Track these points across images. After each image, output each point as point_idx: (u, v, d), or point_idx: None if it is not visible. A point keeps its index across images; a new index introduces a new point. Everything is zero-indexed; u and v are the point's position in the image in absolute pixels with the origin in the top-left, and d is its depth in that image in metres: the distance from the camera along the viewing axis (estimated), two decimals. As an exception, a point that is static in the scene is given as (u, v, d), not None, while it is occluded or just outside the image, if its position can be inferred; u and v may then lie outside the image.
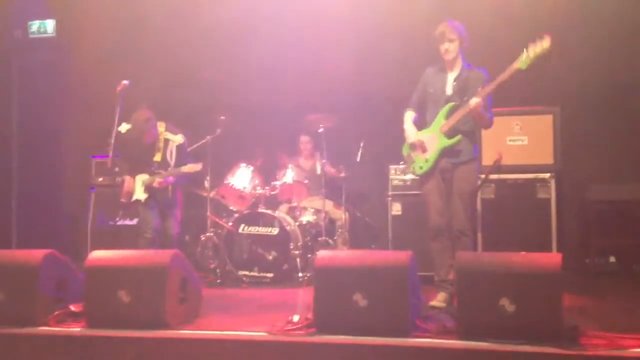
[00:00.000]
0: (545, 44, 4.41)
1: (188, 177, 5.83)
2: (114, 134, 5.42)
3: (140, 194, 5.65)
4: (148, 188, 5.63)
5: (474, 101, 4.53)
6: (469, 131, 4.74)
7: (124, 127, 5.58)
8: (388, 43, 6.67)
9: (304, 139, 6.72)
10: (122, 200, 5.71)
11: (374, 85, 6.68)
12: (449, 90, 4.76)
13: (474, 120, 4.70)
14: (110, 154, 5.42)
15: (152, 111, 5.61)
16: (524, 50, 4.44)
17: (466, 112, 4.60)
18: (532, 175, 5.69)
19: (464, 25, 4.75)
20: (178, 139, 5.73)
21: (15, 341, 3.94)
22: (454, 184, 4.70)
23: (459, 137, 4.67)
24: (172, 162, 5.68)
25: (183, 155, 5.73)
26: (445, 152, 4.72)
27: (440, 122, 4.74)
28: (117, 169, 5.81)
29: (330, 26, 6.65)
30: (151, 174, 5.64)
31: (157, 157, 5.67)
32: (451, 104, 4.70)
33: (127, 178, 5.68)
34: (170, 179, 5.64)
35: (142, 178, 5.66)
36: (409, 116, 4.92)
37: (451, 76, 4.77)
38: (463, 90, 4.69)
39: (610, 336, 3.48)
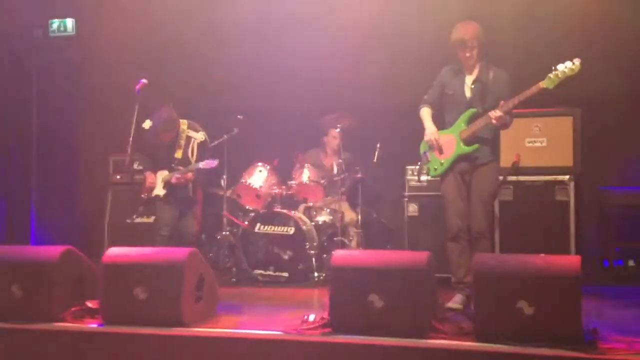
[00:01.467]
0: (575, 68, 4.39)
1: (206, 174, 5.83)
2: (132, 133, 5.44)
3: (159, 190, 5.68)
4: (167, 184, 5.66)
5: (496, 115, 4.50)
6: (490, 138, 4.71)
7: (147, 124, 5.61)
8: (406, 44, 6.64)
9: (333, 132, 6.55)
10: (142, 195, 5.73)
11: (391, 86, 6.65)
12: (468, 93, 4.72)
13: (494, 127, 4.67)
14: (129, 150, 5.44)
15: (175, 110, 5.63)
16: (553, 69, 4.42)
17: (487, 122, 4.58)
18: (551, 177, 5.64)
19: (481, 26, 4.72)
20: (200, 136, 5.75)
21: (32, 337, 3.97)
22: (473, 185, 4.68)
23: (476, 146, 4.64)
24: (193, 160, 5.71)
25: (205, 153, 5.74)
26: (461, 158, 4.70)
27: (460, 126, 4.70)
28: (138, 166, 5.82)
29: (347, 28, 6.63)
30: (171, 170, 5.67)
31: (178, 154, 5.69)
32: (473, 110, 4.67)
33: (149, 174, 5.72)
34: (189, 175, 5.65)
35: (162, 174, 5.70)
36: (428, 113, 4.87)
37: (469, 79, 4.73)
38: (484, 94, 4.66)
39: (629, 340, 3.44)
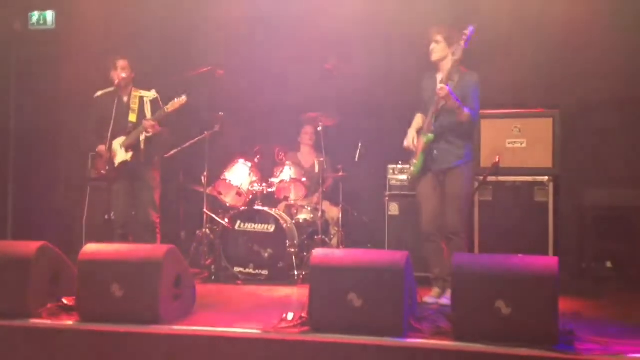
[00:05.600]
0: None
1: (161, 148, 5.67)
2: (110, 129, 5.38)
3: (123, 156, 5.48)
4: (131, 147, 5.46)
5: (439, 86, 4.60)
6: (461, 142, 4.78)
7: (99, 92, 5.47)
8: (390, 43, 6.66)
9: (308, 129, 6.67)
10: (102, 172, 5.51)
11: (373, 85, 6.66)
12: (433, 95, 4.78)
13: (465, 128, 4.74)
14: (106, 146, 5.34)
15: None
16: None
17: (437, 102, 4.66)
18: (530, 178, 5.67)
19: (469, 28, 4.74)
20: (151, 94, 5.61)
21: (7, 333, 3.91)
22: (447, 186, 4.80)
23: (430, 136, 4.73)
24: None
25: (159, 111, 5.56)
26: (431, 156, 4.77)
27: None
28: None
29: (331, 25, 6.62)
30: (127, 135, 5.49)
31: (132, 118, 5.54)
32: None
33: (101, 147, 5.53)
34: (157, 126, 5.45)
35: (119, 141, 5.51)
36: (417, 119, 5.00)
37: (439, 77, 4.82)
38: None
39: (605, 341, 3.47)
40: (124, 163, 5.49)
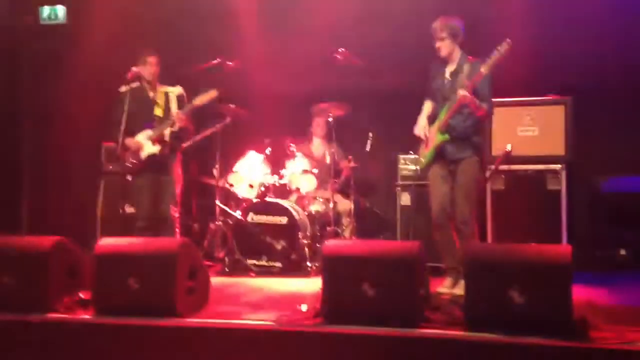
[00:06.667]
0: (502, 49, 4.50)
1: (202, 109, 5.69)
2: (123, 122, 5.39)
3: (151, 148, 5.52)
4: (157, 140, 5.51)
5: (460, 92, 4.62)
6: (470, 134, 4.80)
7: (124, 88, 5.50)
8: (399, 33, 6.62)
9: (319, 120, 6.65)
10: (129, 163, 5.52)
11: (384, 74, 6.64)
12: (445, 84, 4.86)
13: (474, 120, 4.76)
14: (120, 139, 5.38)
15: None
16: (490, 55, 4.55)
17: (456, 105, 4.68)
18: (543, 166, 5.65)
19: (462, 19, 4.80)
20: (177, 89, 5.67)
21: (25, 327, 3.96)
22: (457, 176, 4.81)
23: (446, 136, 4.76)
24: None
25: (185, 106, 5.60)
26: (442, 150, 4.80)
27: (440, 118, 4.84)
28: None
29: (341, 15, 6.61)
30: (153, 128, 5.53)
31: (158, 112, 5.59)
32: (451, 102, 4.77)
33: (129, 140, 5.53)
34: (184, 119, 5.50)
35: (145, 134, 5.54)
36: (426, 107, 5.01)
37: (448, 69, 4.86)
38: (457, 84, 4.76)
39: (619, 329, 3.46)
40: (151, 156, 5.54)
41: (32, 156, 7.67)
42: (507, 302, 3.50)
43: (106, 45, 7.11)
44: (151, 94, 5.68)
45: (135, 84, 5.62)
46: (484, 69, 4.57)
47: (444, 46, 4.81)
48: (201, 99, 5.51)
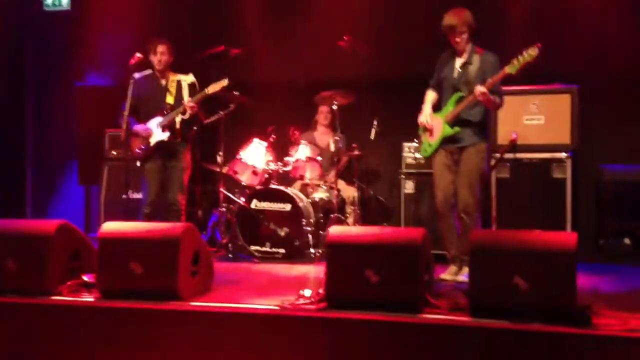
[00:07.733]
0: (533, 53, 4.47)
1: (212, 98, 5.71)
2: (127, 107, 5.38)
3: (160, 135, 5.57)
4: (167, 127, 5.55)
5: (481, 90, 4.58)
6: (476, 121, 4.79)
7: (136, 74, 5.51)
8: (404, 20, 6.60)
9: (323, 108, 6.64)
10: (138, 150, 5.56)
11: (388, 62, 6.62)
12: (455, 76, 4.84)
13: (482, 108, 4.76)
14: (124, 126, 5.39)
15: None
16: (518, 56, 4.50)
17: (471, 101, 4.68)
18: (548, 154, 5.64)
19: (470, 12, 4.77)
20: (189, 78, 5.71)
21: (28, 311, 3.96)
22: (461, 164, 4.81)
23: (457, 129, 4.75)
24: None
25: (197, 94, 5.64)
26: (447, 140, 4.81)
27: (447, 109, 4.84)
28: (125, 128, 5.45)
29: (346, 2, 6.58)
30: (164, 115, 5.57)
31: (169, 100, 5.63)
32: (459, 93, 4.78)
33: (138, 126, 5.58)
34: (195, 107, 5.53)
35: (155, 122, 5.59)
36: (429, 96, 5.00)
37: (459, 62, 4.86)
38: (470, 77, 4.76)
39: (623, 316, 3.45)
40: (160, 142, 5.56)
41: (35, 142, 7.68)
42: (512, 289, 3.49)
43: (110, 31, 7.10)
44: (163, 82, 5.72)
45: (148, 72, 5.63)
46: (509, 69, 4.53)
47: (463, 41, 4.79)
48: (214, 87, 5.55)
